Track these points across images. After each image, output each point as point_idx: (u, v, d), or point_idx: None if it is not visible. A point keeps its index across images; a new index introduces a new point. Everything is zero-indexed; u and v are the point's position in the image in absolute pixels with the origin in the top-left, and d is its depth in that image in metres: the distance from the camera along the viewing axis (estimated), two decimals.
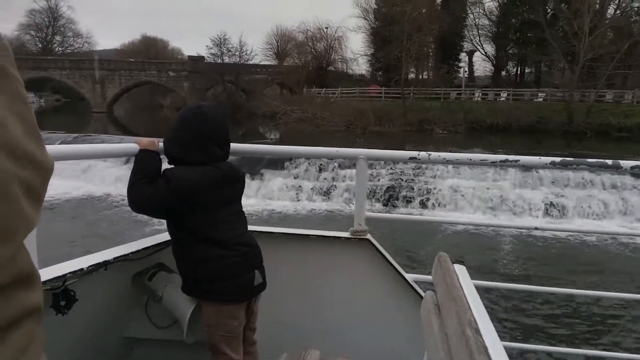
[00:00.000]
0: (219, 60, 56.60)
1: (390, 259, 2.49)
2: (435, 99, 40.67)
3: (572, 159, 2.37)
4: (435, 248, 11.68)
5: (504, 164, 2.44)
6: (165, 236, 2.28)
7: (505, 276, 10.17)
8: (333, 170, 19.26)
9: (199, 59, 59.41)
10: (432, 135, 33.25)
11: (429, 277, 1.85)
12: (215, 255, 2.07)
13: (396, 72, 48.64)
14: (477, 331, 1.15)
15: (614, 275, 10.55)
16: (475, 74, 57.75)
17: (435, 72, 43.51)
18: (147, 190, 2.02)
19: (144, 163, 2.09)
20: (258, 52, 62.27)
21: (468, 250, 11.89)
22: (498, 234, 12.94)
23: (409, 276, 2.50)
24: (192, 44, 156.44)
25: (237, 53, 56.49)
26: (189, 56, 60.78)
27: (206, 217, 2.06)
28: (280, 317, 2.54)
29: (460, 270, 1.63)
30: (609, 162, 2.32)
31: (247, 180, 14.18)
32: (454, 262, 1.68)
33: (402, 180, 18.60)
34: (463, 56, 54.26)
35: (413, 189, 18.09)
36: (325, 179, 19.12)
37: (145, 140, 2.16)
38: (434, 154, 2.44)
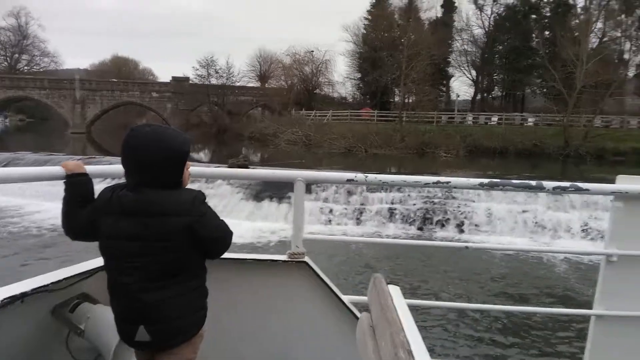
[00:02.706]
0: (206, 82, 56.03)
1: (327, 280, 2.47)
2: (428, 123, 41.23)
3: (499, 180, 2.49)
4: (376, 268, 11.49)
5: (436, 185, 2.54)
6: (90, 264, 2.21)
7: (439, 294, 10.32)
8: (362, 194, 19.03)
9: (183, 80, 58.72)
10: (436, 159, 33.55)
11: (365, 298, 1.83)
12: (109, 290, 1.94)
13: (386, 95, 49.36)
14: (409, 353, 1.17)
15: (544, 291, 10.83)
16: (453, 98, 59.12)
17: (422, 97, 44.11)
18: (79, 214, 1.95)
19: (74, 188, 2.01)
20: (245, 73, 62.01)
21: (406, 270, 11.99)
22: (435, 252, 13.09)
23: (346, 298, 2.49)
24: (168, 65, 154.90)
25: (224, 75, 56.13)
26: (172, 77, 59.99)
27: (100, 248, 1.92)
28: (217, 343, 2.44)
29: (395, 291, 1.64)
30: (533, 183, 2.48)
31: (275, 203, 13.52)
32: (388, 283, 1.67)
33: (435, 203, 18.47)
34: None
35: (447, 212, 17.97)
36: (354, 202, 18.85)
37: (72, 164, 2.06)
38: (371, 176, 2.51)
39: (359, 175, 2.51)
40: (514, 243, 15.88)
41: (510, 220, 17.20)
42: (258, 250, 13.42)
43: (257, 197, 19.12)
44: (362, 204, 18.55)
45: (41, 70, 76.79)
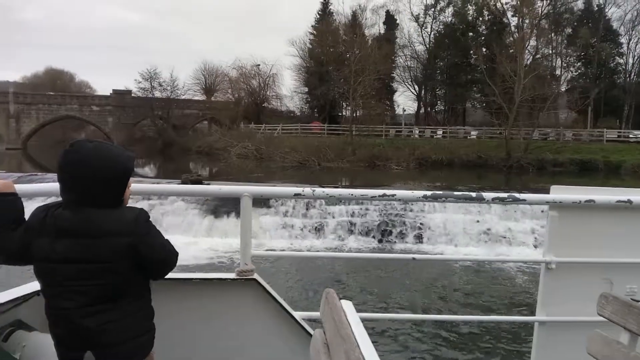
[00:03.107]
0: (150, 95, 54.63)
1: (278, 297, 2.44)
2: (377, 136, 42.11)
3: (441, 192, 2.62)
4: (326, 283, 11.65)
5: (382, 199, 2.59)
6: (24, 289, 2.12)
7: (391, 306, 10.47)
8: (320, 206, 19.13)
9: (125, 93, 56.97)
10: (388, 171, 34.24)
11: (318, 314, 1.84)
12: (48, 315, 1.85)
13: (334, 109, 50.01)
14: None
15: (495, 299, 11.25)
16: (397, 112, 60.74)
17: (370, 111, 45.02)
18: (10, 236, 1.82)
19: (1, 209, 1.86)
20: (190, 86, 60.96)
21: (357, 283, 12.20)
22: (386, 265, 13.23)
23: (298, 314, 2.47)
24: (107, 78, 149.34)
25: (168, 88, 54.95)
26: (113, 90, 58.01)
27: (36, 272, 1.82)
28: None
29: (347, 306, 1.65)
30: (473, 194, 2.60)
31: (233, 219, 13.29)
32: (341, 298, 1.66)
33: (392, 215, 18.82)
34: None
35: (405, 224, 18.35)
36: (313, 216, 18.92)
37: (0, 183, 1.93)
38: (318, 190, 2.54)
39: (307, 190, 2.51)
40: (470, 253, 16.46)
41: (466, 230, 17.80)
42: (221, 269, 13.07)
43: (214, 212, 18.71)
44: (322, 218, 18.64)
45: None
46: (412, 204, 18.64)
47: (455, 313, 9.87)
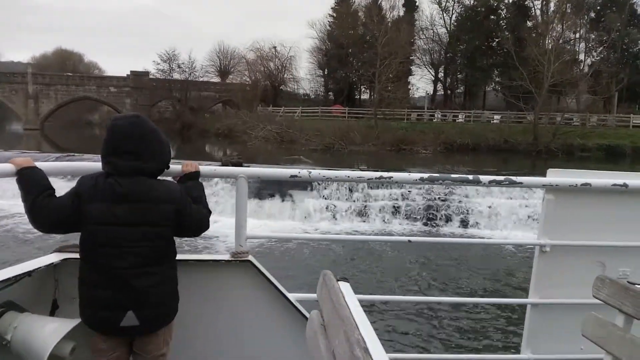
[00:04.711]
0: (168, 77, 54.43)
1: (272, 279, 2.45)
2: (399, 120, 41.92)
3: (438, 174, 2.61)
4: (322, 265, 11.63)
5: (379, 181, 2.63)
6: (16, 270, 2.08)
7: (388, 288, 10.55)
8: (363, 190, 19.19)
9: (142, 74, 56.77)
10: (414, 155, 34.21)
11: (313, 296, 1.86)
12: (89, 279, 1.95)
13: (353, 92, 49.76)
14: (366, 350, 1.16)
15: (489, 281, 11.19)
16: (413, 95, 60.34)
17: (395, 93, 44.63)
18: (54, 203, 1.92)
19: (32, 179, 1.95)
20: (206, 69, 60.67)
21: (354, 265, 12.24)
22: (379, 247, 13.24)
23: (293, 296, 2.48)
24: (118, 60, 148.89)
25: (187, 70, 54.70)
26: (131, 71, 57.80)
27: (88, 235, 1.92)
28: None
29: (345, 288, 1.64)
30: (470, 177, 2.61)
31: (278, 202, 13.24)
32: (338, 280, 1.66)
33: (436, 199, 18.86)
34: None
35: (450, 208, 18.42)
36: (357, 199, 18.98)
37: (20, 159, 2.01)
38: (314, 172, 2.56)
39: (303, 172, 2.51)
40: (516, 237, 16.54)
41: (512, 215, 17.86)
42: (273, 252, 13.03)
43: (259, 195, 18.79)
44: (365, 201, 18.71)
45: None
46: (456, 189, 18.71)
47: (450, 295, 9.97)
